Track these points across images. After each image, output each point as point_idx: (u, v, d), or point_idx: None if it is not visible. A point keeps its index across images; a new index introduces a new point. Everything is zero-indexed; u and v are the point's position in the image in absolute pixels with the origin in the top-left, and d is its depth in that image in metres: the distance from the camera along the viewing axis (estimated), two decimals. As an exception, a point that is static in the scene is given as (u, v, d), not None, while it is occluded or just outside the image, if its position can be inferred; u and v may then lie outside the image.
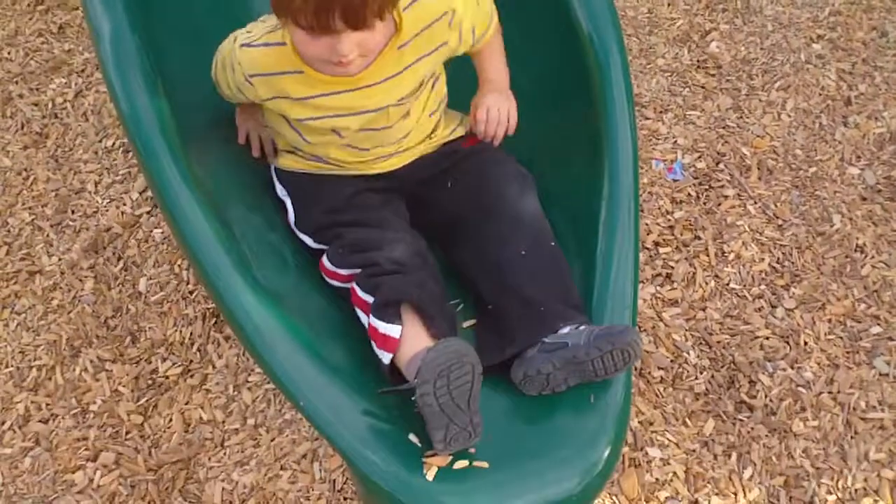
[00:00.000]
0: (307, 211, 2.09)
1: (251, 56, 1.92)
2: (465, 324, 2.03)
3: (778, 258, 2.74)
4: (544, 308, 1.86)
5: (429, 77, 2.02)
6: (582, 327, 1.82)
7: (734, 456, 2.32)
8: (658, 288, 2.65)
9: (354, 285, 1.90)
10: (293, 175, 2.15)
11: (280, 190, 2.17)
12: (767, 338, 2.55)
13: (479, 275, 2.00)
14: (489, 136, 2.16)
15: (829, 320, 2.59)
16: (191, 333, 2.58)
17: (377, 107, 1.95)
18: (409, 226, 2.07)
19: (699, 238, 2.78)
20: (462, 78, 2.19)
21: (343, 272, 1.96)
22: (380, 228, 1.98)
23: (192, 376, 2.50)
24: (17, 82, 3.32)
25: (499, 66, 2.20)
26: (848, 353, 2.52)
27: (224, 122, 2.37)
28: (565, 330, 1.82)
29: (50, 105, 3.24)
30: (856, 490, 2.26)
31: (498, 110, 2.14)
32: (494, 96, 2.16)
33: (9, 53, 3.43)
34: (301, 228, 2.09)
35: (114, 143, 3.08)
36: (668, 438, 2.35)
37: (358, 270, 1.91)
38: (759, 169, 2.98)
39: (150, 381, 2.50)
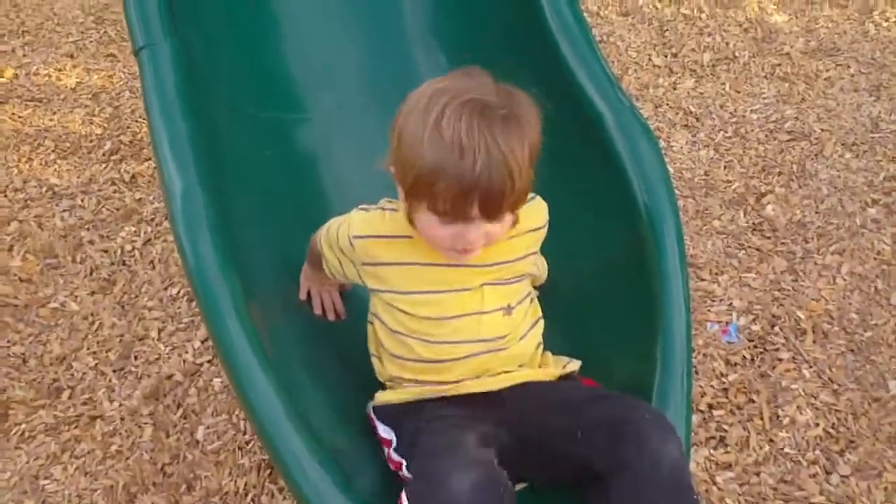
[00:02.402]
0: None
1: (364, 218, 1.98)
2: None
3: (833, 423, 2.73)
4: None
5: (527, 283, 2.08)
6: None
7: None
8: (711, 451, 2.64)
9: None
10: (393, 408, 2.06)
11: (383, 430, 2.06)
12: (822, 505, 2.53)
13: None
14: None
15: (886, 488, 2.57)
16: (245, 484, 2.60)
17: (473, 285, 1.95)
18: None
19: (753, 401, 2.78)
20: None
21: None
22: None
23: (245, 527, 2.52)
24: (88, 229, 3.42)
25: None
26: (904, 522, 2.50)
27: (288, 275, 2.44)
28: None
29: (119, 252, 3.32)
30: None
31: None
32: None
33: (82, 201, 3.53)
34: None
35: (178, 292, 3.16)
36: None
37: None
38: (814, 332, 2.98)
39: (203, 531, 2.52)
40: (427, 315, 1.95)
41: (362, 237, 1.95)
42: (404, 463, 1.96)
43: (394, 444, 2.01)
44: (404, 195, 1.79)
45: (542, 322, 2.14)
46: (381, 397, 2.11)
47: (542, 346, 2.13)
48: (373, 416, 2.11)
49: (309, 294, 2.39)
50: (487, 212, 1.67)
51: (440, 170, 1.61)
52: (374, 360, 2.18)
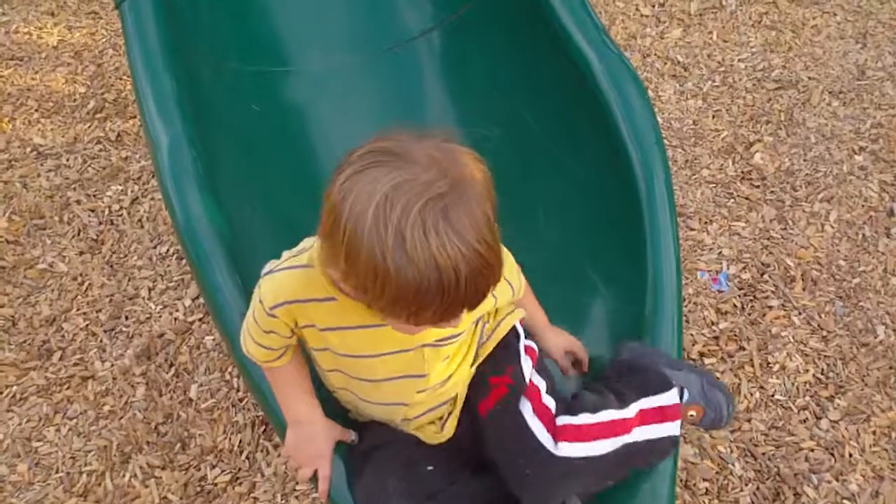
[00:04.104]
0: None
1: (275, 284, 1.66)
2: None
3: (822, 369, 2.74)
4: None
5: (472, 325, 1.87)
6: None
7: (780, 570, 2.32)
8: (702, 399, 2.66)
9: None
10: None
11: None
12: (812, 450, 2.55)
13: None
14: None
15: (874, 432, 2.59)
16: (240, 441, 2.61)
17: (412, 346, 1.72)
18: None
19: (744, 349, 2.79)
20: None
21: None
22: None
23: (240, 484, 2.53)
24: (74, 189, 3.40)
25: (540, 309, 2.14)
26: (893, 465, 2.52)
27: (277, 233, 2.42)
28: None
29: (106, 211, 3.31)
30: None
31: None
32: (565, 335, 2.15)
33: (67, 160, 3.51)
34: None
35: (168, 250, 3.15)
36: (713, 551, 2.35)
37: None
38: (803, 280, 2.99)
39: (198, 488, 2.53)
40: (365, 377, 1.78)
41: (277, 305, 1.66)
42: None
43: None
44: (356, 294, 1.45)
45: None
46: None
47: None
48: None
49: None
50: (474, 307, 1.44)
51: (420, 293, 1.34)
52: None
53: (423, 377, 1.76)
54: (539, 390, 1.84)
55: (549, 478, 1.75)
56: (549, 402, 1.83)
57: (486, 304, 1.73)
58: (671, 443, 1.85)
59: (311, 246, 1.62)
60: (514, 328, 1.92)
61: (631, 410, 1.83)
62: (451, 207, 1.31)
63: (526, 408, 1.80)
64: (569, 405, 1.84)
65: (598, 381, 1.98)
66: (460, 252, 1.30)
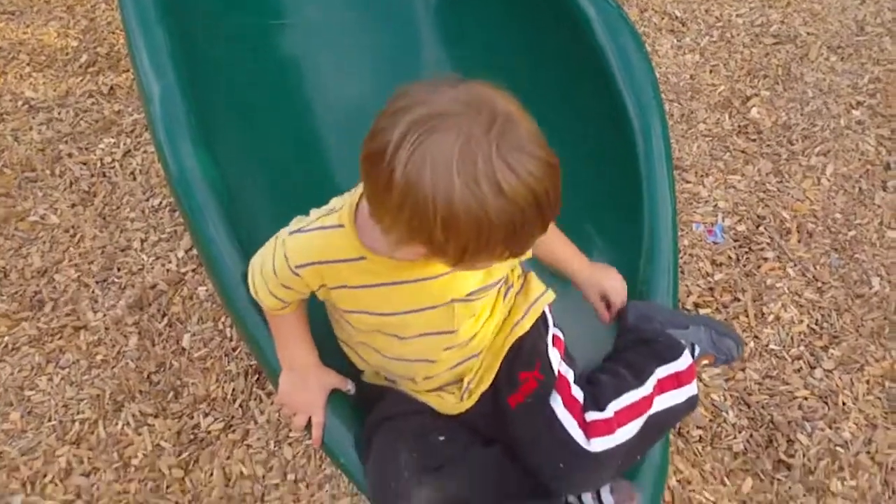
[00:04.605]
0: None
1: (304, 243, 1.67)
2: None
3: (817, 320, 2.74)
4: None
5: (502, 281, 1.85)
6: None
7: (773, 516, 2.32)
8: (697, 348, 2.66)
9: None
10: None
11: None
12: (806, 398, 2.55)
13: None
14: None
15: (868, 381, 2.59)
16: (233, 389, 2.60)
17: (444, 301, 1.72)
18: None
19: (739, 300, 2.79)
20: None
21: None
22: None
23: (233, 431, 2.52)
24: (66, 142, 3.38)
25: (571, 246, 2.10)
26: (886, 413, 2.52)
27: (271, 185, 2.42)
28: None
29: (98, 164, 3.29)
30: (894, 551, 2.25)
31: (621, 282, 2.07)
32: (607, 272, 2.09)
33: (59, 114, 3.49)
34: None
35: (160, 202, 3.13)
36: (706, 497, 2.34)
37: None
38: (798, 232, 2.98)
39: (191, 436, 2.52)
40: (396, 333, 1.79)
41: (306, 265, 1.67)
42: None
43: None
44: (449, 258, 1.44)
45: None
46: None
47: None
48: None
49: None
50: (556, 213, 1.45)
51: (526, 223, 1.37)
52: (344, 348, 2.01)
53: (452, 333, 1.76)
54: (568, 382, 1.84)
55: (584, 471, 1.75)
56: (578, 393, 1.82)
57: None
58: (690, 403, 1.86)
59: (341, 206, 1.63)
60: (543, 315, 1.91)
61: (649, 385, 1.82)
62: (513, 135, 1.35)
63: (557, 402, 1.79)
64: (594, 397, 1.82)
65: (610, 359, 1.97)
66: (541, 166, 1.36)
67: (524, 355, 1.86)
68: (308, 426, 1.84)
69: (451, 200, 1.30)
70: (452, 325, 1.75)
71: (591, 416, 1.78)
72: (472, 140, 1.31)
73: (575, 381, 1.84)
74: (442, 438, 1.83)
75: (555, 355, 1.87)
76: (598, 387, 1.84)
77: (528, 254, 1.63)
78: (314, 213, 1.69)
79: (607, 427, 1.76)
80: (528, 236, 1.40)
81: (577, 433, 1.75)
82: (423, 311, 1.71)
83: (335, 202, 1.68)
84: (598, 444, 1.74)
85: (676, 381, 1.86)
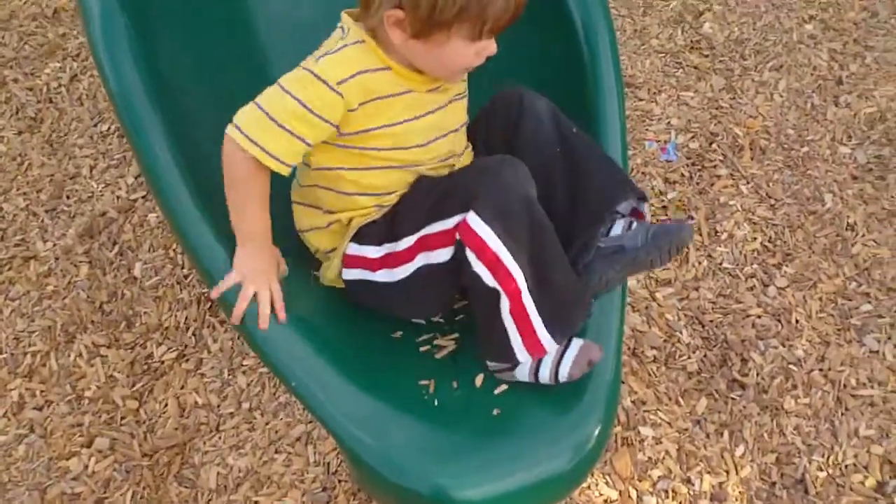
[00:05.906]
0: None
1: (342, 59, 1.77)
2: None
3: (770, 237, 2.75)
4: (600, 194, 1.90)
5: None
6: (634, 224, 1.86)
7: (726, 434, 2.33)
8: (651, 268, 2.66)
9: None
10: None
11: (373, 251, 1.95)
12: (759, 316, 2.57)
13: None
14: None
15: (821, 298, 2.61)
16: (186, 318, 2.59)
17: (444, 103, 1.91)
18: None
19: (692, 218, 2.79)
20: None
21: None
22: None
23: (187, 361, 2.51)
24: (11, 67, 3.32)
25: None
26: (839, 330, 2.54)
27: (215, 104, 2.37)
28: (617, 231, 1.85)
29: (44, 90, 3.23)
30: (846, 466, 2.27)
31: None
32: None
33: (2, 38, 3.42)
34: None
35: (109, 128, 3.09)
36: (660, 417, 2.36)
37: None
38: (751, 149, 2.98)
39: (145, 367, 2.51)
40: (416, 143, 1.89)
41: (348, 78, 1.74)
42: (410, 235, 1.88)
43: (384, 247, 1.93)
44: (422, 32, 1.72)
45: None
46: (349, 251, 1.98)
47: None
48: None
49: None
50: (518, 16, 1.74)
51: None
52: (312, 235, 2.04)
53: (456, 132, 1.96)
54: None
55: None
56: None
57: None
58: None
59: (348, 29, 1.80)
60: None
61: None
62: None
63: None
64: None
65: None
66: None
67: None
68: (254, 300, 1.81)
69: None
70: (454, 124, 1.96)
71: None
72: None
73: None
74: None
75: None
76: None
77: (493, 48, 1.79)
78: (325, 45, 1.84)
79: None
80: (490, 5, 1.65)
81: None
82: (435, 111, 1.89)
83: (336, 33, 1.84)
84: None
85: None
